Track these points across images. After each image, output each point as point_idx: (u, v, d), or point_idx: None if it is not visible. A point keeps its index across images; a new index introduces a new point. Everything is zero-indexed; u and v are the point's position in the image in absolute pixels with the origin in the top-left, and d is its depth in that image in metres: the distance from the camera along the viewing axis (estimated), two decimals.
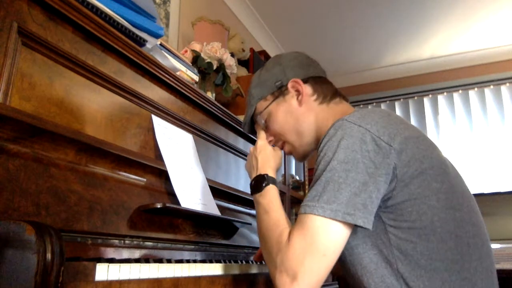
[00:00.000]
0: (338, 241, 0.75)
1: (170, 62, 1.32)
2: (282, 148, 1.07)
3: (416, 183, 0.78)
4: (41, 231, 0.54)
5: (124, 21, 1.04)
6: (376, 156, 0.77)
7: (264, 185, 0.93)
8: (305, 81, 1.01)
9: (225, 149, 1.51)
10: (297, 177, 3.08)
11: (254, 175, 0.98)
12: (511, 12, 3.16)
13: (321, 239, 0.74)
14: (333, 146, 0.79)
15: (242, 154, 1.63)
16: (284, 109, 1.01)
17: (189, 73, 1.46)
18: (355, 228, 0.79)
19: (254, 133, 1.14)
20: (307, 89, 1.00)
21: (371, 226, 0.75)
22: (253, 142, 1.71)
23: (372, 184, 0.76)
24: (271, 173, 0.97)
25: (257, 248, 1.36)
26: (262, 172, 0.96)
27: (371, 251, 0.81)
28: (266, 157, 0.99)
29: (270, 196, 0.91)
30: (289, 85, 1.00)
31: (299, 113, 1.00)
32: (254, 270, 1.04)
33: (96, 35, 0.92)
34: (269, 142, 1.06)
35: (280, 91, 1.02)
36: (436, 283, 0.75)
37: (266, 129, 1.06)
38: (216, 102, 1.42)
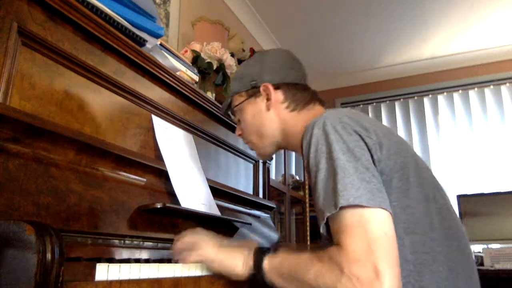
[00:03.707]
0: (384, 222, 0.71)
1: (170, 62, 1.32)
2: (246, 143, 1.12)
3: (397, 177, 0.79)
4: (41, 231, 0.54)
5: (124, 21, 1.04)
6: (364, 147, 0.78)
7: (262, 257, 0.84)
8: (277, 87, 1.02)
9: (225, 149, 1.51)
10: (297, 177, 3.08)
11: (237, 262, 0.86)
12: (511, 12, 3.16)
13: (370, 225, 0.69)
14: (325, 141, 0.79)
15: (242, 154, 1.63)
16: (253, 110, 1.05)
17: (189, 73, 1.46)
18: None
19: (228, 115, 1.19)
20: (277, 95, 1.01)
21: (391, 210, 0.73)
22: None
23: (373, 170, 0.76)
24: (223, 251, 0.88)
25: None
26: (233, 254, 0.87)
27: None
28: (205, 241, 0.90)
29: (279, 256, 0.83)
30: (261, 89, 1.02)
31: (265, 117, 1.03)
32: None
33: (96, 35, 0.92)
34: (239, 135, 1.13)
35: (253, 91, 1.04)
36: (425, 277, 0.75)
37: (238, 122, 1.12)
38: (216, 102, 1.42)
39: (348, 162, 0.75)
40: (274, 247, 0.88)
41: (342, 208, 0.71)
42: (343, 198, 0.71)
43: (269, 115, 1.02)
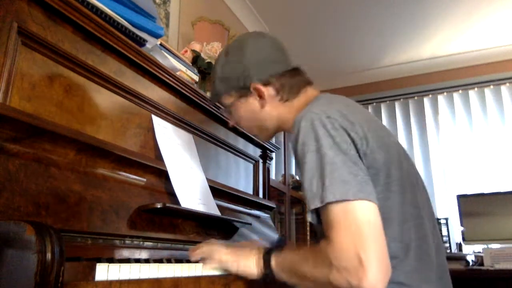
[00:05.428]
0: (369, 213, 0.73)
1: (170, 62, 1.32)
2: (247, 131, 1.14)
3: (383, 170, 0.82)
4: (41, 231, 0.54)
5: (124, 21, 1.04)
6: (350, 142, 0.80)
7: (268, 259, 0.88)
8: (267, 83, 0.98)
9: (225, 149, 1.51)
10: (297, 177, 3.08)
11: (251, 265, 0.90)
12: (511, 12, 3.16)
13: (355, 217, 0.72)
14: (312, 135, 0.81)
15: (242, 154, 1.63)
16: (246, 108, 1.03)
17: (189, 73, 1.46)
18: None
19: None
20: (269, 91, 0.99)
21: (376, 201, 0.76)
22: (253, 142, 1.71)
23: (360, 164, 0.79)
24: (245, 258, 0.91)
25: None
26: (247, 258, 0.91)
27: None
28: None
29: (280, 257, 0.87)
30: (251, 88, 0.99)
31: (261, 114, 1.02)
32: None
33: (96, 35, 0.92)
34: (232, 125, 1.12)
35: (242, 91, 1.01)
36: (397, 266, 0.78)
37: (229, 114, 1.09)
38: (216, 102, 1.42)
39: (336, 156, 0.77)
40: (281, 246, 0.91)
41: (328, 203, 0.74)
42: (330, 193, 0.74)
43: (264, 112, 1.01)
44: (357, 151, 0.80)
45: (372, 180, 0.79)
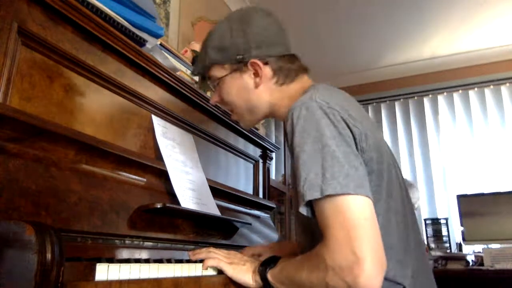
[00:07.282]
0: (365, 209, 0.72)
1: (170, 62, 1.32)
2: (229, 111, 1.05)
3: (376, 170, 0.81)
4: (41, 231, 0.54)
5: (124, 21, 1.04)
6: (351, 135, 0.79)
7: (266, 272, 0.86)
8: (265, 62, 0.95)
9: (225, 149, 1.51)
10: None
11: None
12: (511, 13, 3.16)
13: (351, 212, 0.70)
14: (314, 124, 0.78)
15: (242, 154, 1.63)
16: (239, 85, 0.97)
17: (189, 73, 1.46)
18: None
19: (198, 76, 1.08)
20: (266, 71, 0.95)
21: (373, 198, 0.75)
22: (253, 142, 1.71)
23: (360, 158, 0.78)
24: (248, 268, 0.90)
25: None
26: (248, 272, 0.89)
27: None
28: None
29: (278, 269, 0.85)
30: (249, 64, 0.95)
31: (254, 93, 0.97)
32: None
33: (96, 35, 0.92)
34: (215, 102, 1.04)
35: (239, 65, 0.96)
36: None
37: (215, 91, 1.02)
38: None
39: (338, 148, 0.75)
40: (276, 259, 0.88)
41: (328, 196, 0.72)
42: (330, 186, 0.71)
43: (258, 92, 0.96)
44: (356, 146, 0.79)
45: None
